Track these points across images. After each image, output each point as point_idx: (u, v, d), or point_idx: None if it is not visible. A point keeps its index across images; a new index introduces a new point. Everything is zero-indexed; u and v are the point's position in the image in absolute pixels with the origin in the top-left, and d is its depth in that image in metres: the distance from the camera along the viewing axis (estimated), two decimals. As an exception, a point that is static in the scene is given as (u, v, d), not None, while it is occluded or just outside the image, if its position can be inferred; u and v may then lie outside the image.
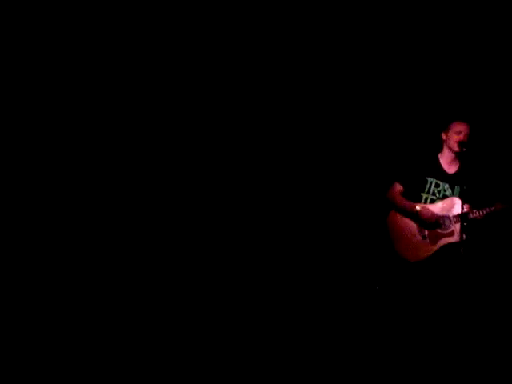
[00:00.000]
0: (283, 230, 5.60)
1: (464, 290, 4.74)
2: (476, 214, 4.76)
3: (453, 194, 4.89)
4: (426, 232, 4.86)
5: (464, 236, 4.63)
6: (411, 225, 4.90)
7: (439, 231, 4.84)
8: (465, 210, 4.67)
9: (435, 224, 4.85)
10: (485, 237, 5.11)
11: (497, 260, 5.45)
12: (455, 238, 4.78)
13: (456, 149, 4.83)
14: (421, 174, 4.93)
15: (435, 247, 4.83)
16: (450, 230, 4.82)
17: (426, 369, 4.35)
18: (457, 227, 4.77)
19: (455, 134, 4.84)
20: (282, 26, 5.44)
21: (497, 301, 5.32)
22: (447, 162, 4.95)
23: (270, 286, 5.44)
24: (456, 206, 4.81)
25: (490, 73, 5.46)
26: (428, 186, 4.92)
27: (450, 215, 4.83)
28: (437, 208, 4.88)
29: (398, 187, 4.96)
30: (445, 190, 4.91)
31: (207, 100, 5.52)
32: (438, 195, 4.91)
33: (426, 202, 4.91)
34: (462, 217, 4.65)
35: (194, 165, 5.55)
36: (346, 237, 5.62)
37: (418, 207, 4.85)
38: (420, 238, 4.87)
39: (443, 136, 4.92)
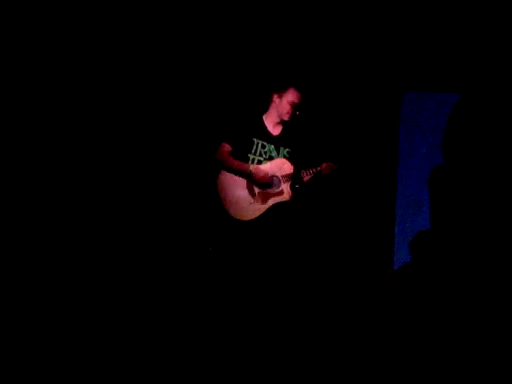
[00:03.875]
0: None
1: (292, 247, 4.96)
2: (303, 174, 4.88)
3: (278, 156, 4.97)
4: (256, 192, 4.90)
5: (292, 195, 4.81)
6: (241, 184, 4.91)
7: (269, 191, 4.91)
8: (292, 170, 4.81)
9: (266, 184, 4.91)
10: (313, 196, 5.24)
11: (325, 219, 5.65)
12: (284, 198, 4.88)
13: (286, 118, 4.92)
14: (247, 135, 4.94)
15: (265, 206, 4.89)
16: (279, 190, 4.90)
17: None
18: (285, 187, 4.87)
19: (289, 104, 4.88)
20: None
21: (323, 258, 5.59)
22: (272, 124, 5.01)
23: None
24: (284, 166, 4.91)
25: (320, 31, 5.55)
26: (255, 147, 4.95)
27: (279, 175, 4.91)
28: (265, 168, 4.92)
29: (227, 147, 4.93)
30: (271, 152, 4.98)
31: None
32: (264, 156, 4.96)
33: (253, 163, 4.93)
34: (292, 176, 4.79)
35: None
36: (176, 198, 5.56)
37: (251, 168, 4.88)
38: (250, 197, 4.90)
39: (275, 98, 4.94)
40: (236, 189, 4.94)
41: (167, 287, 5.14)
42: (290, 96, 4.92)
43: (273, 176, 4.93)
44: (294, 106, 4.89)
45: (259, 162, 4.98)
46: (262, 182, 4.88)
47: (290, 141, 4.93)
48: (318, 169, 4.95)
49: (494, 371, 3.94)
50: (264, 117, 5.05)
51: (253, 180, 4.89)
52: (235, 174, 4.93)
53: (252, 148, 4.97)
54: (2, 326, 4.19)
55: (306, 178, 4.93)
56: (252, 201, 4.92)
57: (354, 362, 4.13)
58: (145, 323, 4.54)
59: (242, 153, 4.96)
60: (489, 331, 4.50)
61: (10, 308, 4.48)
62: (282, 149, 5.01)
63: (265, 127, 5.03)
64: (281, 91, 4.95)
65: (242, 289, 4.83)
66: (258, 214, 4.92)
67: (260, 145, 4.99)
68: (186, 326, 4.54)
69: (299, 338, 4.44)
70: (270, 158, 5.00)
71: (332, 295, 5.27)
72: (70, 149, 5.33)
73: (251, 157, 4.98)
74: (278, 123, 5.04)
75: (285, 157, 4.97)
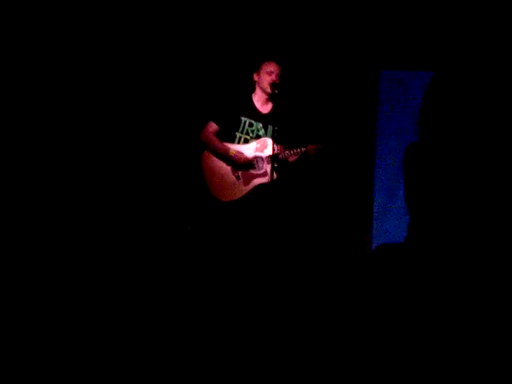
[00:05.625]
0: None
1: (275, 228, 4.90)
2: (287, 154, 4.85)
3: (266, 134, 4.92)
4: (240, 172, 4.87)
5: (275, 176, 4.75)
6: (225, 165, 4.87)
7: (252, 172, 4.88)
8: (276, 150, 4.74)
9: (248, 165, 4.87)
10: (296, 177, 5.24)
11: (308, 200, 5.62)
12: (268, 179, 4.82)
13: (268, 90, 4.86)
14: (235, 113, 4.88)
15: (248, 187, 4.86)
16: (262, 171, 4.87)
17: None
18: (269, 168, 4.80)
19: (267, 75, 4.84)
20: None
21: (305, 238, 5.55)
22: (260, 102, 4.95)
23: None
24: (269, 147, 4.84)
25: (301, 12, 5.46)
26: (242, 125, 4.89)
27: (263, 156, 4.87)
28: (250, 148, 4.89)
29: (213, 126, 4.87)
30: (258, 130, 4.92)
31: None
32: (251, 135, 4.91)
33: (239, 142, 4.89)
34: (272, 158, 4.73)
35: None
36: (158, 176, 5.47)
37: (231, 152, 4.84)
38: (233, 178, 4.86)
39: (255, 77, 4.92)
40: (220, 169, 4.90)
41: (148, 267, 5.03)
42: (265, 67, 4.89)
43: (257, 157, 4.90)
44: (274, 80, 4.83)
45: (246, 141, 4.93)
46: (241, 166, 4.88)
47: (277, 119, 4.86)
48: (303, 149, 4.90)
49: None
50: (253, 95, 4.99)
51: (234, 164, 4.88)
52: (217, 157, 4.90)
53: (239, 126, 4.92)
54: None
55: (291, 159, 4.92)
56: (235, 182, 4.89)
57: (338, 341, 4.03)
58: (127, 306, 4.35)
59: (229, 131, 4.91)
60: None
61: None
62: (269, 127, 4.95)
63: (253, 105, 4.97)
64: (258, 69, 4.93)
65: (222, 270, 4.80)
66: (240, 195, 4.89)
67: (247, 123, 4.93)
68: (165, 309, 4.35)
69: (283, 321, 4.32)
70: (258, 137, 4.95)
71: (314, 276, 5.22)
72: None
73: (238, 135, 4.92)
74: (267, 101, 4.98)
75: (272, 136, 4.88)
